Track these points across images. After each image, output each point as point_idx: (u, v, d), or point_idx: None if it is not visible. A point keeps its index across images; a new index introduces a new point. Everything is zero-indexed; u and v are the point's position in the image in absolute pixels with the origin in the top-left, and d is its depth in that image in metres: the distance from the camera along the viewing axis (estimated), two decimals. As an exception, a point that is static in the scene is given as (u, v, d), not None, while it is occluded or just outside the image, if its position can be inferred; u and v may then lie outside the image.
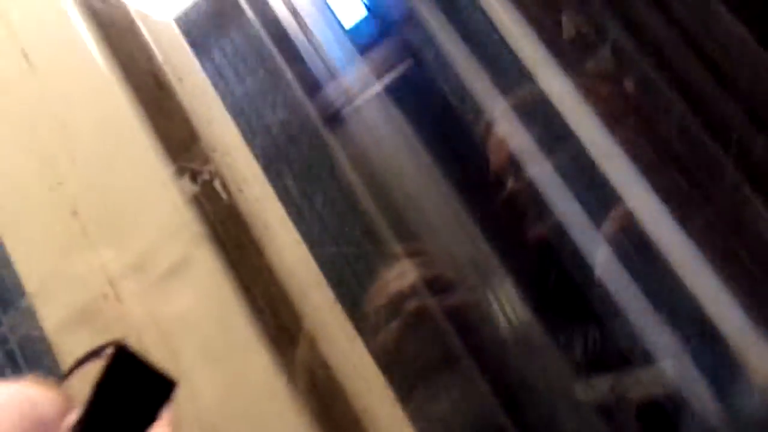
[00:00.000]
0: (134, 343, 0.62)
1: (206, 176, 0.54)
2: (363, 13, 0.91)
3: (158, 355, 0.60)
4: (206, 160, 0.56)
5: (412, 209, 0.82)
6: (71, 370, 0.28)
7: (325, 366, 0.58)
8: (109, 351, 0.27)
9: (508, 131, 0.91)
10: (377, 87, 0.92)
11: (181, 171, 0.55)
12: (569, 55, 0.75)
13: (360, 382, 0.59)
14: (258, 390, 0.56)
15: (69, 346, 0.58)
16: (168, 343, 0.60)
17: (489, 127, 0.93)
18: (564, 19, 0.74)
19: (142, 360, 0.28)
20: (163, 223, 0.57)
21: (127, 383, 0.27)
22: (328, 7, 0.89)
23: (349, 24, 0.89)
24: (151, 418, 0.27)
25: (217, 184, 0.55)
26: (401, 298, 0.74)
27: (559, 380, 0.70)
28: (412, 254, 0.79)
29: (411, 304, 0.72)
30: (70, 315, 0.60)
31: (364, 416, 0.58)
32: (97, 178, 0.60)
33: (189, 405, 0.57)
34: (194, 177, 0.55)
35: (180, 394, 0.60)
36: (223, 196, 0.55)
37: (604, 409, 0.72)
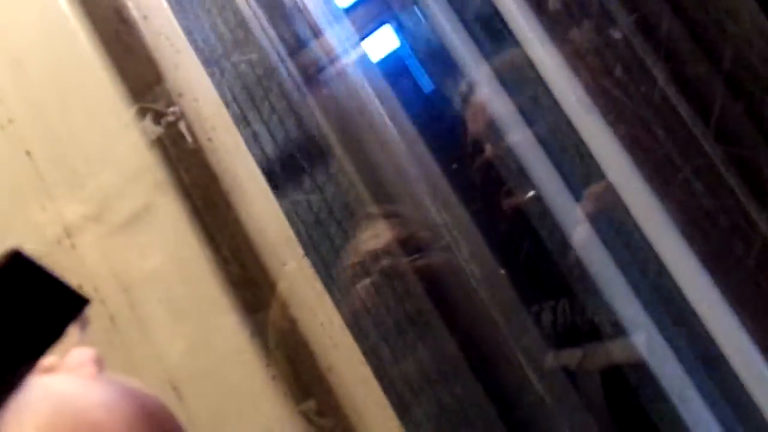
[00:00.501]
0: (90, 294, 0.59)
1: (171, 118, 0.51)
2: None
3: (116, 307, 0.57)
4: (171, 102, 0.53)
5: (389, 170, 0.80)
6: None
7: (292, 322, 0.57)
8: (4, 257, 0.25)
9: (489, 97, 0.89)
10: (359, 48, 0.89)
11: (143, 112, 0.51)
12: (554, 24, 0.73)
13: (326, 339, 0.57)
14: (222, 344, 0.54)
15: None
16: (127, 295, 0.57)
17: (469, 92, 0.91)
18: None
19: (46, 271, 0.25)
20: (124, 166, 0.53)
21: (21, 292, 0.25)
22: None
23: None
24: (55, 333, 0.25)
25: (182, 126, 0.52)
26: (374, 257, 0.72)
27: (528, 345, 0.70)
28: (386, 215, 0.77)
29: (383, 264, 0.71)
30: (23, 262, 0.57)
31: (329, 374, 0.57)
32: (53, 116, 0.56)
33: (151, 357, 0.55)
34: (158, 119, 0.52)
35: (141, 347, 0.58)
36: (189, 139, 0.52)
37: (571, 374, 0.72)
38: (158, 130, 0.51)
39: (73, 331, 0.26)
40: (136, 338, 0.54)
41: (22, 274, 0.25)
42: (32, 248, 0.59)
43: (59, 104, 0.56)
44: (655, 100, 0.69)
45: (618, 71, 0.72)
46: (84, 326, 0.28)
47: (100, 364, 0.27)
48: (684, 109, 0.67)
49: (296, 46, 0.79)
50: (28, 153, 0.57)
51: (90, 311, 0.58)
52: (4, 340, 0.23)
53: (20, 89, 0.57)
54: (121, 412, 0.23)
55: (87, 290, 0.56)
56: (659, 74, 0.69)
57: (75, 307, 0.26)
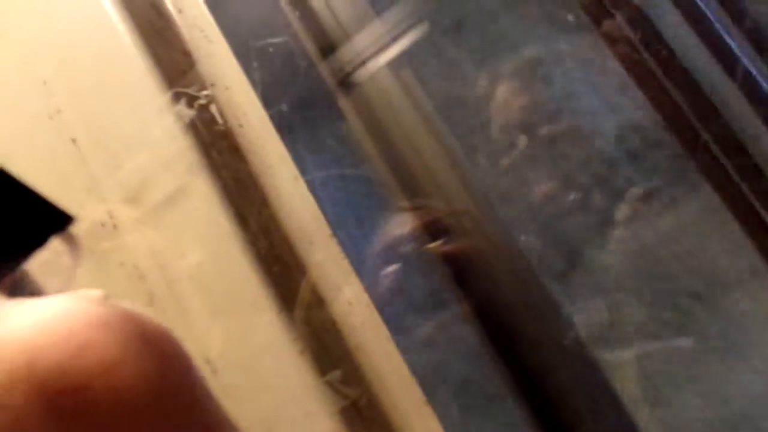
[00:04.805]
0: (130, 272, 0.63)
1: (203, 101, 0.54)
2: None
3: (154, 283, 0.60)
4: (204, 87, 0.55)
5: (415, 159, 0.81)
6: None
7: (320, 301, 0.58)
8: None
9: (516, 92, 0.89)
10: (392, 47, 0.89)
11: (177, 97, 0.54)
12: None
13: (353, 318, 0.59)
14: (251, 318, 0.56)
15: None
16: (164, 272, 0.60)
17: (495, 88, 0.90)
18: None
19: (28, 187, 0.27)
20: (160, 150, 0.56)
21: (2, 204, 0.27)
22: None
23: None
24: (35, 243, 0.27)
25: (213, 109, 0.54)
26: (401, 242, 0.73)
27: (551, 327, 0.69)
28: (414, 206, 0.78)
29: (410, 248, 0.72)
30: (70, 244, 0.61)
31: (357, 352, 0.58)
32: (95, 105, 0.60)
33: (186, 331, 0.58)
34: (191, 103, 0.54)
35: (178, 321, 0.61)
36: (220, 121, 0.54)
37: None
38: (191, 113, 0.54)
39: (64, 250, 0.28)
40: (172, 312, 0.57)
41: (3, 188, 0.27)
42: (79, 230, 0.63)
43: (101, 94, 0.60)
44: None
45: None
46: (73, 246, 0.29)
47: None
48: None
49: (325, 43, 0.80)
50: (73, 140, 0.61)
51: (131, 287, 0.61)
52: None
53: (67, 82, 0.61)
54: (118, 333, 0.23)
55: (128, 268, 0.59)
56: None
57: (58, 222, 0.28)
